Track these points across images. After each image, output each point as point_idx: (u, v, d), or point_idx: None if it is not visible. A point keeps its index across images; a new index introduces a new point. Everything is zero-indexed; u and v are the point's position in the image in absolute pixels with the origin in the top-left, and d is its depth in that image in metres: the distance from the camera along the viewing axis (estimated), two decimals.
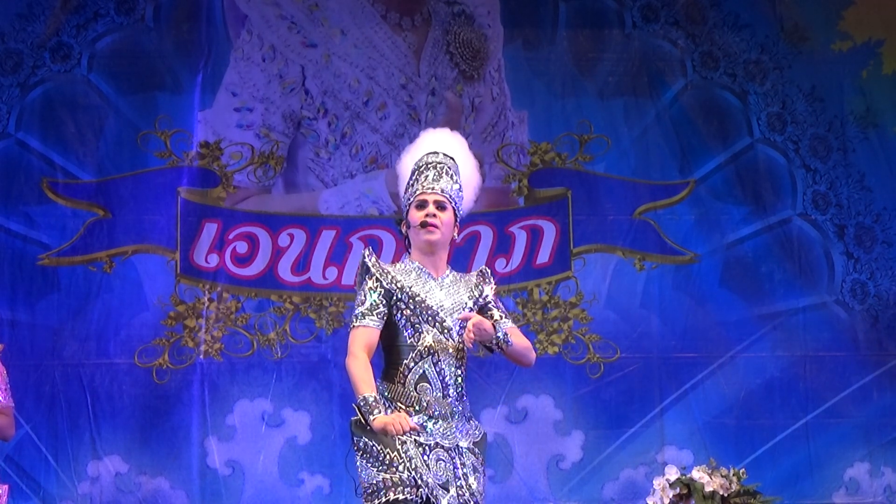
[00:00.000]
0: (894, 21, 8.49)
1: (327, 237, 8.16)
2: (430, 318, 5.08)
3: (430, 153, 5.22)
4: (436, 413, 5.05)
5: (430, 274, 5.15)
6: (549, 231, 8.26)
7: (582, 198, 8.29)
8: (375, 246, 7.91)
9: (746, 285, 8.31)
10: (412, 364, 5.07)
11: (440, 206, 5.13)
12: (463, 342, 5.04)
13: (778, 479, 8.07)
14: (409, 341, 5.08)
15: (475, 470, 5.10)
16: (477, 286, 5.22)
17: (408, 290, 5.09)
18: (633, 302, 8.28)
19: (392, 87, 8.22)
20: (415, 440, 4.99)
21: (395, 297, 5.08)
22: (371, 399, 4.90)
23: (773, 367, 8.26)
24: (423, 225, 5.11)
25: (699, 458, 7.95)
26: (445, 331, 5.09)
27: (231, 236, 8.11)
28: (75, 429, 7.91)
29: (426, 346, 5.06)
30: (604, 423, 8.19)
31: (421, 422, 5.00)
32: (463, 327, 5.05)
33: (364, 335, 5.03)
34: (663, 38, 8.39)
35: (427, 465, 4.99)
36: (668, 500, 7.42)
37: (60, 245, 8.01)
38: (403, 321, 5.08)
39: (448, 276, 5.19)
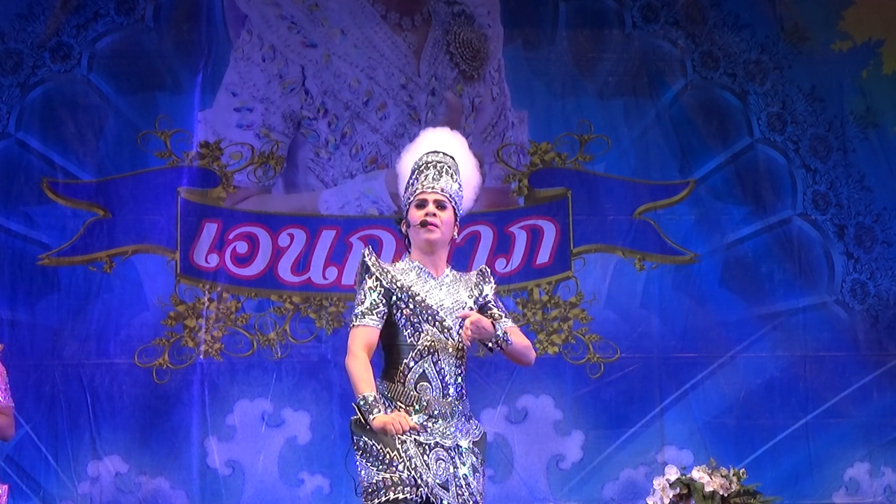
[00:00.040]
0: (894, 21, 8.49)
1: (327, 237, 8.16)
2: (429, 318, 5.08)
3: (430, 152, 5.22)
4: (436, 412, 5.05)
5: (429, 273, 5.15)
6: (549, 231, 8.26)
7: (582, 198, 8.29)
8: (375, 246, 7.91)
9: (746, 285, 8.31)
10: (412, 363, 5.07)
11: (440, 206, 5.13)
12: (462, 341, 5.05)
13: (778, 479, 8.07)
14: (408, 340, 5.08)
15: (475, 469, 5.10)
16: (477, 285, 5.22)
17: (407, 289, 5.09)
18: (633, 302, 8.28)
19: (392, 87, 8.22)
20: (415, 439, 4.99)
21: (394, 297, 5.08)
22: (371, 398, 4.90)
23: (773, 367, 8.26)
24: (423, 224, 5.11)
25: (699, 458, 7.95)
26: (445, 330, 5.09)
27: (231, 236, 8.11)
28: (75, 429, 7.91)
29: (426, 346, 5.06)
30: (604, 423, 8.19)
31: (421, 421, 5.00)
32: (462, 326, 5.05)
33: (364, 334, 5.03)
34: (663, 38, 8.39)
35: (427, 465, 4.99)
36: (668, 500, 7.42)
37: (60, 245, 8.01)
38: (403, 320, 5.08)
39: (448, 275, 5.19)
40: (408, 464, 4.96)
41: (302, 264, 8.14)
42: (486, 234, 8.20)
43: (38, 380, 7.87)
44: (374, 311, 5.06)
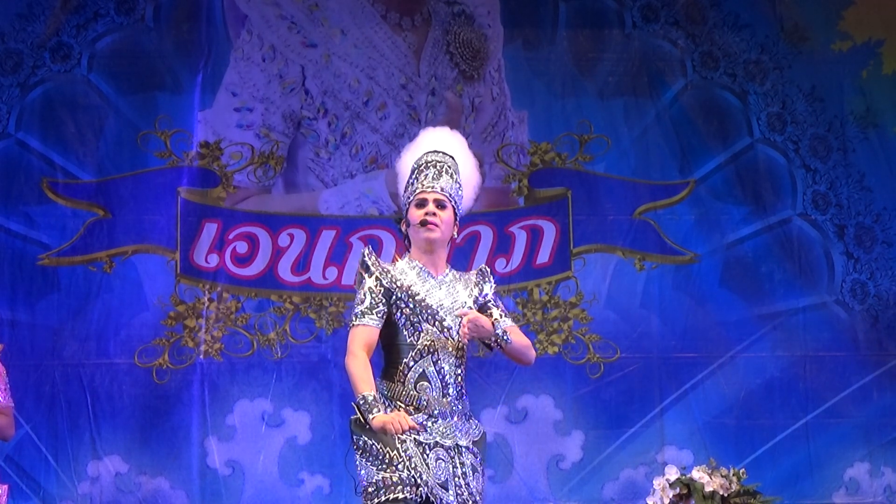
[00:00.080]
0: (894, 21, 8.49)
1: (327, 237, 8.16)
2: (429, 317, 5.08)
3: (430, 152, 5.22)
4: (435, 412, 5.05)
5: (429, 273, 5.15)
6: (549, 231, 8.26)
7: (582, 198, 8.29)
8: (375, 246, 7.91)
9: (746, 285, 8.30)
10: (412, 363, 5.07)
11: (440, 205, 5.13)
12: (462, 341, 5.05)
13: (778, 479, 8.07)
14: (408, 340, 5.08)
15: (475, 469, 5.11)
16: (477, 285, 5.22)
17: (407, 288, 5.09)
18: (633, 302, 8.27)
19: (392, 87, 8.22)
20: (414, 439, 4.99)
21: (394, 296, 5.08)
22: (370, 398, 4.90)
23: (773, 367, 8.26)
24: (423, 223, 5.11)
25: (699, 458, 7.95)
26: (445, 329, 5.09)
27: (231, 236, 8.11)
28: (75, 429, 7.91)
29: (426, 345, 5.07)
30: (604, 423, 8.18)
31: (420, 421, 5.00)
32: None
33: (364, 334, 5.03)
34: (663, 38, 8.39)
35: (426, 465, 4.99)
36: (668, 500, 7.42)
37: (60, 245, 8.01)
38: (403, 320, 5.08)
39: (448, 274, 5.19)
40: (407, 463, 4.96)
41: (302, 264, 8.14)
42: (486, 234, 8.20)
43: (38, 380, 7.87)
44: (373, 311, 5.06)
